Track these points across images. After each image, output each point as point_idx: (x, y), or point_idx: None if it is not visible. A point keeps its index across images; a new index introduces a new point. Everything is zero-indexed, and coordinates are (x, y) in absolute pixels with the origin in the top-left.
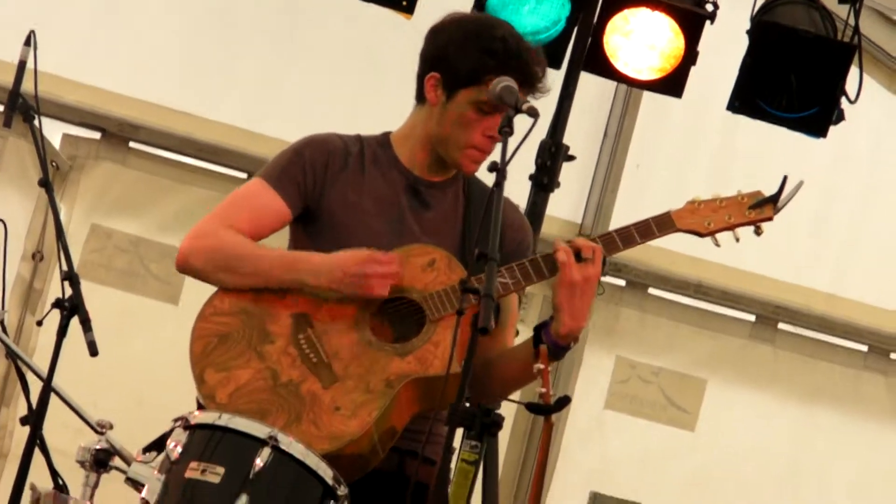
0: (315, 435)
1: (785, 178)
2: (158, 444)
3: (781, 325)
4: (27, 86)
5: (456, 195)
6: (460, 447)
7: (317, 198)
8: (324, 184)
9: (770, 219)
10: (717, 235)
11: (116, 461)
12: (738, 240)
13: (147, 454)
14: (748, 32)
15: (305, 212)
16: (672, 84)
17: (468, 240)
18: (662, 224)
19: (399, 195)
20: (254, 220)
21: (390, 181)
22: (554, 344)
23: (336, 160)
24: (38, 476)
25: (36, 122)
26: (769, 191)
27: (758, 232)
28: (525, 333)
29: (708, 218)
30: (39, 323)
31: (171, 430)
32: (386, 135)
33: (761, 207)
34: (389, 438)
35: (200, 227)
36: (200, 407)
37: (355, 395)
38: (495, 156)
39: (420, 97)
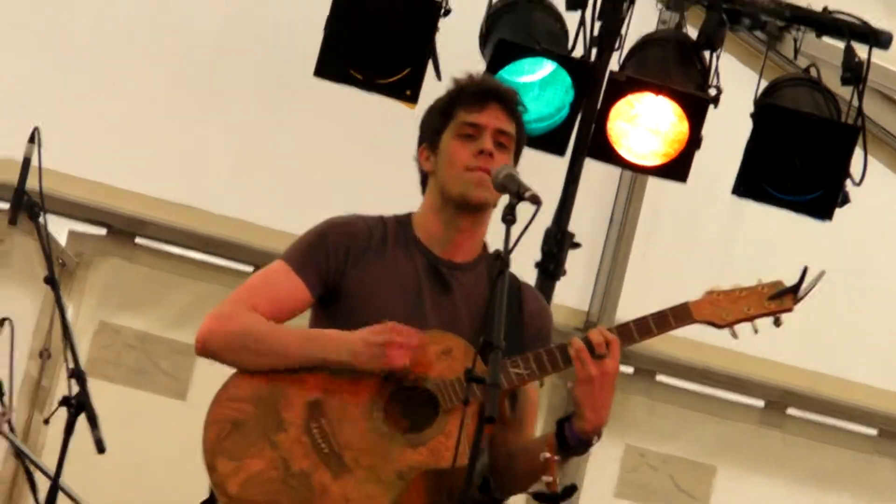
0: None
1: (805, 269)
2: None
3: (790, 410)
4: (32, 183)
5: (479, 277)
6: None
7: (338, 281)
8: (345, 267)
9: (790, 310)
10: (735, 327)
11: None
12: (756, 331)
13: None
14: (752, 115)
15: (326, 294)
16: (676, 169)
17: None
18: (679, 315)
19: (419, 277)
20: (275, 303)
21: (411, 262)
22: (577, 439)
23: (358, 244)
24: None
25: (41, 220)
26: (781, 276)
27: (777, 323)
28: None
29: (726, 309)
30: (46, 421)
31: None
32: (408, 215)
33: (781, 298)
34: None
35: (221, 310)
36: (212, 495)
37: (366, 487)
38: (500, 244)
39: (423, 181)
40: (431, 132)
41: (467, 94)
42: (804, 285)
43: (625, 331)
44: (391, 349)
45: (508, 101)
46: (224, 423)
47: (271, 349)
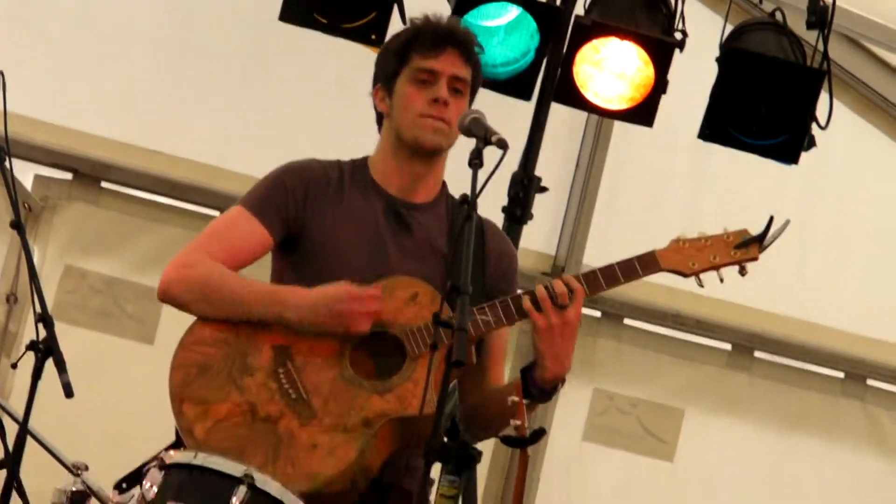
0: (291, 474)
1: (771, 219)
2: (130, 479)
3: (758, 354)
4: None
5: (438, 217)
6: (439, 481)
7: (298, 225)
8: (304, 211)
9: (755, 259)
10: (702, 275)
11: (93, 502)
12: (721, 280)
13: (123, 494)
14: (718, 60)
15: (287, 239)
16: (643, 113)
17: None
18: (646, 264)
19: (378, 218)
20: (236, 248)
21: (370, 204)
22: (539, 388)
23: (316, 187)
24: None
25: (7, 164)
26: (748, 224)
27: (742, 272)
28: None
29: (692, 258)
30: (14, 366)
31: (145, 464)
32: (364, 158)
33: (747, 247)
34: (367, 476)
35: (183, 257)
36: (178, 438)
37: (333, 434)
38: (466, 188)
39: (379, 121)
40: (386, 74)
41: (423, 39)
42: (770, 234)
43: (592, 279)
44: (352, 316)
45: (465, 46)
46: (190, 367)
47: (231, 302)
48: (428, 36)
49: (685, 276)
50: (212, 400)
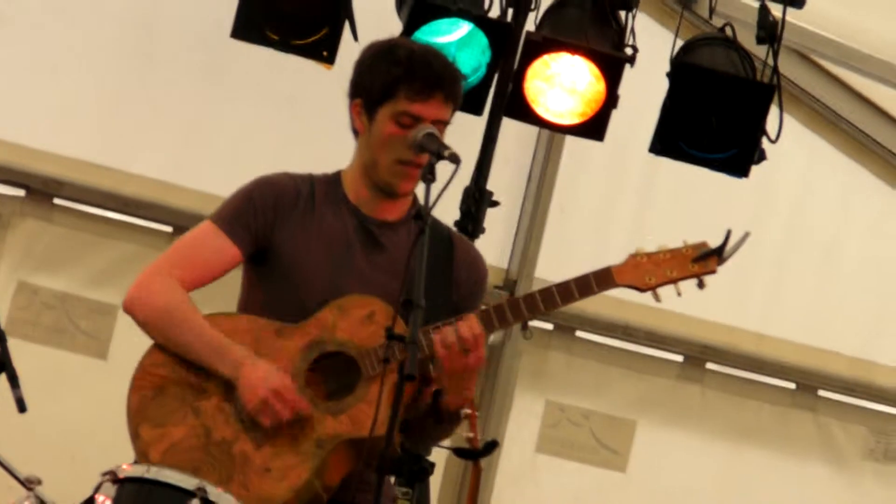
0: (245, 497)
1: (729, 232)
2: None
3: (709, 365)
4: None
5: (409, 234)
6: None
7: (267, 239)
8: (273, 225)
9: (713, 272)
10: (659, 290)
11: None
12: (679, 294)
13: None
14: (668, 74)
15: (256, 253)
16: (593, 128)
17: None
18: (602, 280)
19: (350, 234)
20: (204, 264)
21: (341, 220)
22: (448, 413)
23: (285, 201)
24: None
25: None
26: (700, 237)
27: (700, 286)
28: None
29: (649, 273)
30: None
31: (100, 485)
32: (337, 173)
33: (705, 260)
34: (328, 494)
35: (150, 277)
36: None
37: (286, 457)
38: (421, 201)
39: (354, 130)
40: (369, 96)
41: (414, 82)
42: (728, 247)
43: (548, 296)
44: (263, 411)
45: (452, 89)
46: (147, 390)
47: (179, 341)
48: (419, 79)
49: (641, 291)
50: (168, 423)
